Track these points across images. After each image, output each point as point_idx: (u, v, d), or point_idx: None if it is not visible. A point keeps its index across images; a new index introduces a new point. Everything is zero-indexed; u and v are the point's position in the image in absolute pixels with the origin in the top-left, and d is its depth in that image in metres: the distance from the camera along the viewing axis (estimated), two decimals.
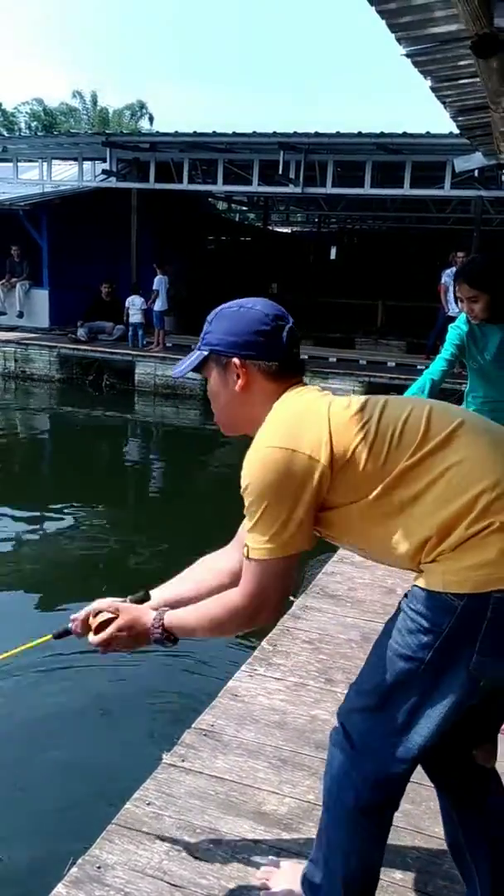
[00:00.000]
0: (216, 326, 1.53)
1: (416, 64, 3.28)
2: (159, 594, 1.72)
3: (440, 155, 11.01)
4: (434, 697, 1.33)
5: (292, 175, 12.22)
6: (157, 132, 16.32)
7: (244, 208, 22.46)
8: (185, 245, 16.64)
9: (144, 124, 32.52)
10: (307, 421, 1.40)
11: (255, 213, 21.72)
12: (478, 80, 3.26)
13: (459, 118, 4.46)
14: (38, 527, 6.54)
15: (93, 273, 13.80)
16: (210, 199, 19.09)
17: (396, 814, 1.48)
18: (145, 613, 1.59)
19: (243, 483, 1.39)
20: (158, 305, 12.56)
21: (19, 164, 14.46)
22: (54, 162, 14.50)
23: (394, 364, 11.80)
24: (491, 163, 6.57)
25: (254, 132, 11.62)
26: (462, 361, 3.12)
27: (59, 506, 6.92)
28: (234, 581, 1.62)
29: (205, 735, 2.30)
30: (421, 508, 1.33)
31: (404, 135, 10.78)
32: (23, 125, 33.49)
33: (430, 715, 1.33)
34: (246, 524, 1.42)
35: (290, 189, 12.64)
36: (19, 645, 1.76)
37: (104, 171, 13.58)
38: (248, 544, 1.40)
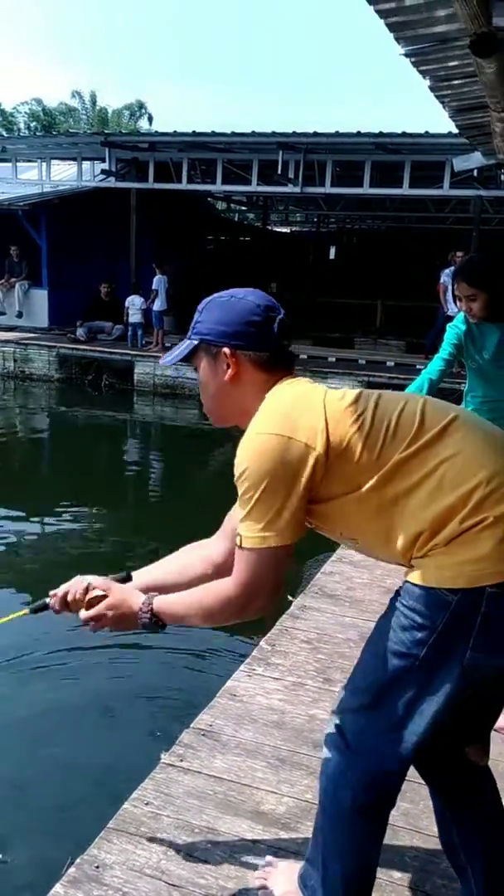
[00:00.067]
0: (207, 316, 1.52)
1: (414, 63, 3.27)
2: (140, 578, 1.70)
3: (439, 154, 11.01)
4: (428, 693, 1.32)
5: (291, 175, 12.22)
6: (156, 132, 16.33)
7: (243, 208, 22.47)
8: (184, 245, 16.65)
9: (143, 124, 32.58)
10: (303, 409, 1.39)
11: (255, 212, 21.71)
12: (476, 79, 3.26)
13: (458, 118, 4.45)
14: (36, 527, 6.55)
15: (92, 273, 13.81)
16: (209, 199, 19.10)
17: (394, 813, 1.48)
18: (134, 596, 1.57)
19: (238, 470, 1.37)
20: (157, 305, 12.56)
21: (18, 164, 14.45)
22: (53, 162, 14.49)
23: (393, 364, 11.81)
24: (490, 162, 6.56)
25: (252, 132, 11.62)
26: (461, 361, 3.12)
27: (57, 506, 6.91)
28: (217, 570, 1.62)
29: (203, 735, 2.30)
30: (414, 502, 1.33)
31: (403, 134, 10.78)
32: (22, 125, 33.52)
33: (425, 711, 1.33)
34: (238, 513, 1.41)
35: (289, 189, 12.65)
36: None
37: (103, 171, 13.59)
38: (241, 533, 1.38)
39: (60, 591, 1.68)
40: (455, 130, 5.21)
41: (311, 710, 2.45)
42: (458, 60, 3.16)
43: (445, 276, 10.45)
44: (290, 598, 3.49)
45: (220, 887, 1.72)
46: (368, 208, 18.42)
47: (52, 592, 1.69)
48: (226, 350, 1.48)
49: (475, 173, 10.42)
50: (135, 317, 12.72)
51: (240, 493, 1.38)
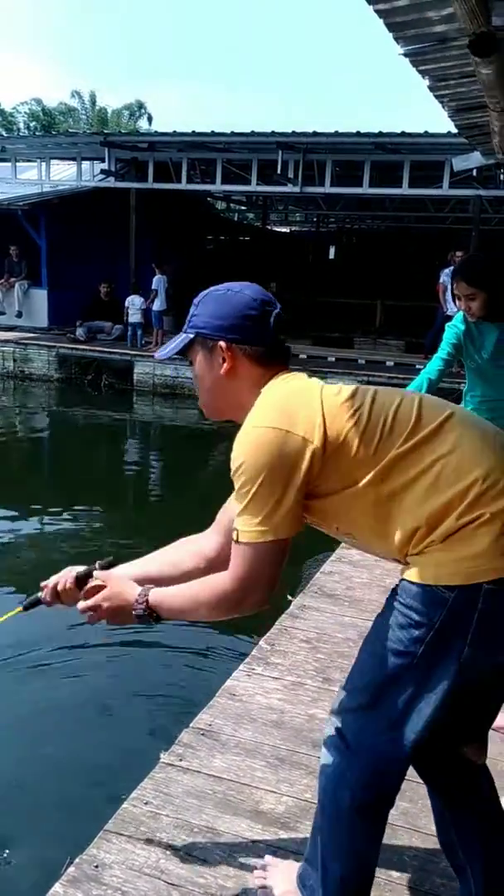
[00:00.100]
0: (203, 309, 1.51)
1: (413, 63, 3.27)
2: (128, 570, 1.68)
3: (438, 154, 11.01)
4: (426, 691, 1.32)
5: (291, 174, 12.22)
6: (156, 132, 16.33)
7: (243, 208, 22.47)
8: (183, 245, 16.64)
9: (143, 124, 32.56)
10: (300, 403, 1.39)
11: (254, 212, 21.71)
12: (475, 78, 3.25)
13: (457, 117, 4.45)
14: (36, 526, 6.54)
15: (91, 273, 13.80)
16: (209, 199, 19.09)
17: (393, 812, 1.48)
18: (130, 587, 1.56)
19: (234, 464, 1.36)
20: (157, 305, 12.56)
21: (18, 163, 14.44)
22: (53, 162, 14.48)
23: (392, 363, 11.81)
24: (489, 162, 6.55)
25: (252, 132, 11.61)
26: (461, 361, 3.12)
27: (56, 505, 6.91)
28: (211, 564, 1.61)
29: (202, 734, 2.30)
30: (411, 498, 1.33)
31: (402, 134, 10.78)
32: (21, 125, 33.50)
33: (423, 709, 1.33)
34: (234, 507, 1.40)
35: (289, 188, 12.64)
36: None
37: (103, 171, 13.58)
38: (238, 527, 1.37)
39: (51, 582, 1.67)
40: (454, 130, 5.21)
41: (311, 710, 2.45)
42: (458, 60, 3.16)
43: (445, 276, 10.45)
44: (289, 597, 3.49)
45: (219, 887, 1.72)
46: (368, 208, 18.42)
47: (42, 584, 1.69)
48: (222, 344, 1.47)
49: (474, 173, 10.42)
50: (134, 317, 12.71)
51: (236, 487, 1.37)
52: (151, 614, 1.51)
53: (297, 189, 12.51)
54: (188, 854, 1.82)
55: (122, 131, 22.83)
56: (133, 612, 1.52)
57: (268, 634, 2.98)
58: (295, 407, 1.38)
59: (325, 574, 3.63)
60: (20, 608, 1.73)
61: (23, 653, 3.95)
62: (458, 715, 1.39)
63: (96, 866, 1.76)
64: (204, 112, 64.49)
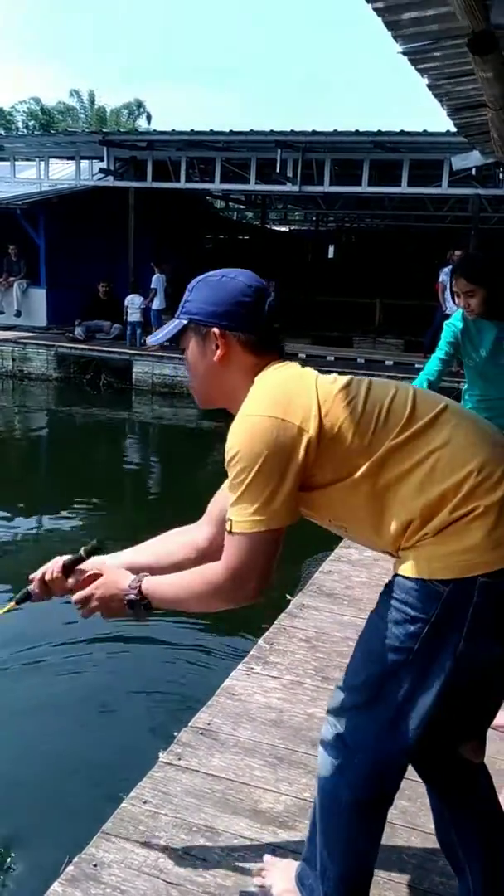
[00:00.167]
0: (196, 295, 1.50)
1: (412, 61, 3.27)
2: (119, 559, 1.67)
3: (437, 153, 11.01)
4: (423, 687, 1.32)
5: (290, 173, 12.21)
6: (155, 131, 16.29)
7: (242, 207, 22.44)
8: (182, 243, 16.63)
9: (142, 123, 32.58)
10: (295, 392, 1.38)
11: (253, 211, 21.70)
12: (474, 77, 3.25)
13: (456, 116, 4.44)
14: (34, 525, 6.54)
15: (90, 272, 13.81)
16: (207, 198, 19.09)
17: (392, 810, 1.48)
18: (122, 575, 1.54)
19: (229, 454, 1.35)
20: (156, 304, 12.56)
21: (16, 162, 14.43)
22: (51, 161, 14.47)
23: (392, 363, 11.81)
24: (488, 161, 6.54)
25: (251, 130, 11.61)
26: (461, 360, 3.12)
27: (55, 505, 6.91)
28: (202, 555, 1.60)
29: (201, 733, 2.29)
30: (405, 490, 1.32)
31: (401, 133, 10.78)
32: (20, 124, 33.50)
33: (420, 705, 1.32)
34: (225, 498, 1.39)
35: (288, 187, 12.63)
36: None
37: (101, 170, 13.57)
38: (232, 517, 1.35)
39: (38, 573, 1.67)
40: (453, 129, 5.21)
41: (310, 709, 2.45)
42: (456, 59, 3.15)
43: (444, 275, 10.44)
44: (288, 597, 3.49)
45: (218, 885, 1.72)
46: (367, 207, 18.41)
47: (31, 576, 1.68)
48: (215, 330, 1.46)
49: (473, 172, 10.43)
50: (134, 316, 12.71)
51: (230, 476, 1.35)
52: (143, 600, 1.49)
53: (295, 188, 12.50)
54: (187, 853, 1.82)
55: (121, 130, 22.82)
56: (125, 598, 1.50)
57: (267, 633, 2.98)
58: (290, 395, 1.37)
59: (324, 573, 3.63)
60: (12, 603, 1.72)
61: (20, 650, 3.95)
62: (456, 712, 1.39)
63: (95, 865, 1.76)
64: (203, 111, 64.48)
